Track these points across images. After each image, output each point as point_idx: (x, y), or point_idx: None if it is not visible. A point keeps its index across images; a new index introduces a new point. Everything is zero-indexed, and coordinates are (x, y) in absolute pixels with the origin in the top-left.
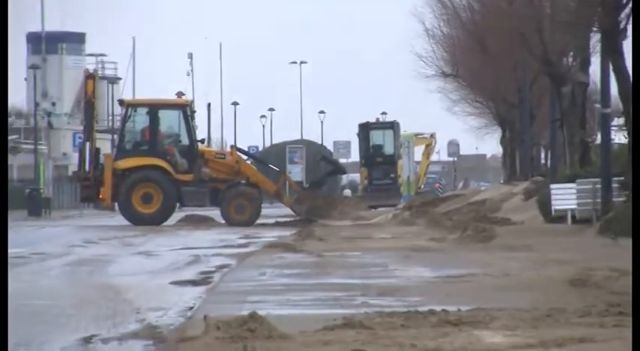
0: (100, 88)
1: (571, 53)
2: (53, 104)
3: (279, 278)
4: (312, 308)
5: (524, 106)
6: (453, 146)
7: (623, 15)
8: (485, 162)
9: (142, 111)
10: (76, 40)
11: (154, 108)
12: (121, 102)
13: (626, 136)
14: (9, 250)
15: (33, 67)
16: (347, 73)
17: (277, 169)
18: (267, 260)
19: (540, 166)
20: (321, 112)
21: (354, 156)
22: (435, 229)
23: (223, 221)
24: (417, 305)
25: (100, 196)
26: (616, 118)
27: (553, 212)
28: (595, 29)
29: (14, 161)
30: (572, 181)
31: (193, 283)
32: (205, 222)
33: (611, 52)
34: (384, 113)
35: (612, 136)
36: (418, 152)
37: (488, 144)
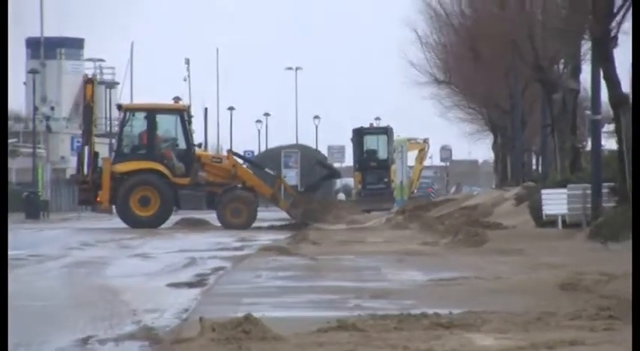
0: (97, 93)
1: (562, 60)
2: (52, 108)
3: (274, 281)
4: (306, 310)
5: (515, 112)
6: (446, 151)
7: (614, 23)
8: (478, 167)
9: (140, 115)
10: (75, 45)
11: (151, 112)
12: (120, 106)
13: (617, 142)
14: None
15: (32, 71)
16: (342, 80)
17: (273, 173)
18: (262, 263)
19: (531, 172)
20: (316, 117)
21: (348, 160)
22: (427, 233)
23: (219, 224)
24: (410, 308)
25: (98, 199)
26: (606, 125)
27: (544, 217)
28: (586, 37)
29: (13, 164)
30: (563, 187)
31: (189, 285)
32: (201, 225)
33: (602, 60)
34: (377, 119)
35: (602, 143)
36: (411, 157)
37: (481, 149)
